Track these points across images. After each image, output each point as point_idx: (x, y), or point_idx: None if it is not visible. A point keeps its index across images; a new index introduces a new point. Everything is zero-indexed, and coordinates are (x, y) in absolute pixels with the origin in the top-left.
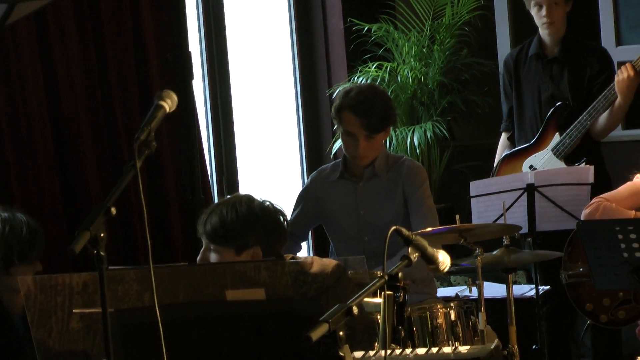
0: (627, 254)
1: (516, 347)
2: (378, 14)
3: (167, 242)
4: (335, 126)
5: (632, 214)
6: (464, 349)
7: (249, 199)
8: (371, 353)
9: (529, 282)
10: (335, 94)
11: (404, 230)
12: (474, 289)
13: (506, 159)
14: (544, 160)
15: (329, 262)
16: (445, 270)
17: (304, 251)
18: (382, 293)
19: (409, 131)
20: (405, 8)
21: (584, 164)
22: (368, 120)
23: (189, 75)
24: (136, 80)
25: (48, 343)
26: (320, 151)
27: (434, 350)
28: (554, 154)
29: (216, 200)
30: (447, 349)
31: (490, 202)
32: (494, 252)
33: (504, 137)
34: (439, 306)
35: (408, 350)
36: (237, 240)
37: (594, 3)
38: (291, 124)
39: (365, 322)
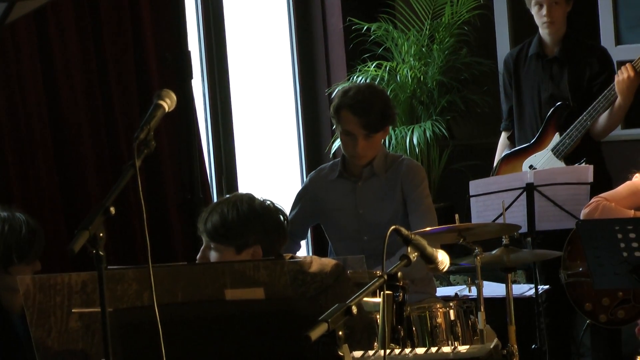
0: (627, 254)
1: (515, 346)
2: (377, 13)
3: (166, 242)
4: (335, 125)
5: (631, 213)
6: (463, 348)
7: (250, 198)
8: (370, 353)
9: (529, 281)
10: (334, 93)
11: (403, 230)
12: (474, 289)
13: (506, 158)
14: (543, 160)
15: (328, 262)
16: (445, 269)
17: (303, 251)
18: (381, 292)
19: (408, 130)
20: (404, 7)
21: (583, 164)
22: (366, 119)
23: (188, 75)
24: (135, 79)
25: (47, 342)
26: (319, 150)
27: (433, 349)
28: (554, 154)
29: (215, 200)
30: (446, 349)
31: (490, 201)
32: (493, 252)
33: (503, 136)
34: (438, 306)
35: (407, 350)
36: (237, 239)
37: (593, 3)
38: (290, 123)
39: (365, 322)
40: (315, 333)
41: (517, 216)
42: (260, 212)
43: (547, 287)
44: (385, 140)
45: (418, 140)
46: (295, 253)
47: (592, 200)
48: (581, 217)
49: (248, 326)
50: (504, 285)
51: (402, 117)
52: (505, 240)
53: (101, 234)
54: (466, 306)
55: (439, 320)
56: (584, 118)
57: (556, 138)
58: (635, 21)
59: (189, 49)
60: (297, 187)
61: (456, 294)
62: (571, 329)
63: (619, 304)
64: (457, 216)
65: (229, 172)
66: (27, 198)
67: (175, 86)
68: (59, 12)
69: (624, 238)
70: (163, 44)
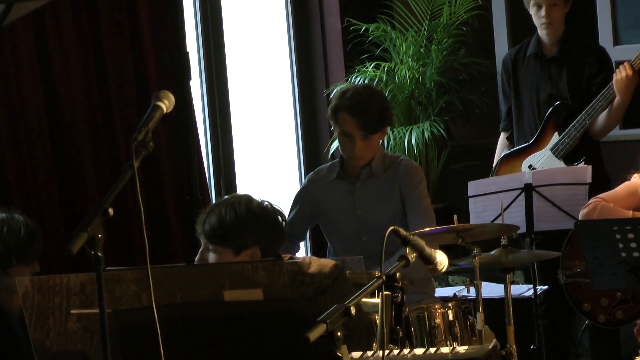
0: (625, 254)
1: (514, 347)
2: (375, 14)
3: (164, 243)
4: (333, 127)
5: (629, 213)
6: (461, 349)
7: (248, 199)
8: (369, 353)
9: (527, 282)
10: (332, 94)
11: (402, 231)
12: (472, 289)
13: (505, 158)
14: (543, 160)
15: (327, 263)
16: (443, 270)
17: (301, 251)
18: (380, 293)
19: (406, 131)
20: (402, 8)
21: (583, 163)
22: (364, 120)
23: (187, 75)
24: (134, 80)
25: (46, 344)
26: (317, 151)
27: (432, 350)
28: (553, 153)
29: (214, 200)
30: (445, 349)
31: (488, 202)
32: (492, 252)
33: (502, 136)
34: (436, 306)
35: (406, 351)
36: (235, 240)
37: (591, 3)
38: (289, 124)
39: (363, 323)
40: (314, 334)
41: (516, 217)
42: (258, 213)
43: (545, 287)
44: (383, 141)
45: (416, 141)
46: (294, 254)
47: (591, 200)
48: (580, 218)
49: (247, 327)
50: (502, 285)
51: (400, 118)
52: (503, 241)
53: (100, 235)
54: (465, 307)
55: (438, 320)
56: (583, 117)
57: (555, 138)
58: (633, 21)
59: (188, 49)
60: (296, 188)
61: (455, 294)
62: (570, 330)
63: (617, 304)
64: (455, 217)
65: (227, 172)
66: (25, 199)
67: (174, 87)
68: (58, 13)
69: (622, 238)
70: (161, 45)
